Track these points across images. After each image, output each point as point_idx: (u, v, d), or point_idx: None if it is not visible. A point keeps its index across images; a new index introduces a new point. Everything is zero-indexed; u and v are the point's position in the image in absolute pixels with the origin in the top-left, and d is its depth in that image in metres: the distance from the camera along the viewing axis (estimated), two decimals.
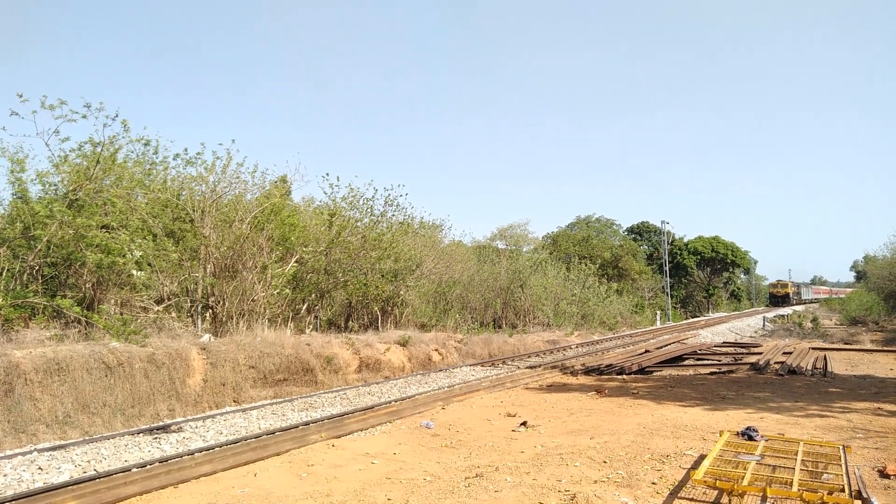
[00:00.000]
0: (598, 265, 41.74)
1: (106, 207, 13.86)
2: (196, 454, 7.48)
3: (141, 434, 8.91)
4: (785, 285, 75.13)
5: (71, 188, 13.67)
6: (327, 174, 23.55)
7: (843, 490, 4.97)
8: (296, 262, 18.11)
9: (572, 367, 15.54)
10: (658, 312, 43.68)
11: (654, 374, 14.79)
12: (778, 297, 73.24)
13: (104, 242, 12.72)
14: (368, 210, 21.87)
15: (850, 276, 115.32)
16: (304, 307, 19.51)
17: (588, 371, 14.65)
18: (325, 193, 21.84)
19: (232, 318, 15.92)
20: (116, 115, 14.07)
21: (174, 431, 9.05)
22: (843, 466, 5.71)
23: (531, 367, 16.10)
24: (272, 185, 18.39)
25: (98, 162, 13.93)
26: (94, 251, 12.49)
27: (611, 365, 15.05)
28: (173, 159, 16.84)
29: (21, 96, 12.69)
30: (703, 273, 68.24)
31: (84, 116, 13.57)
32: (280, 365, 13.12)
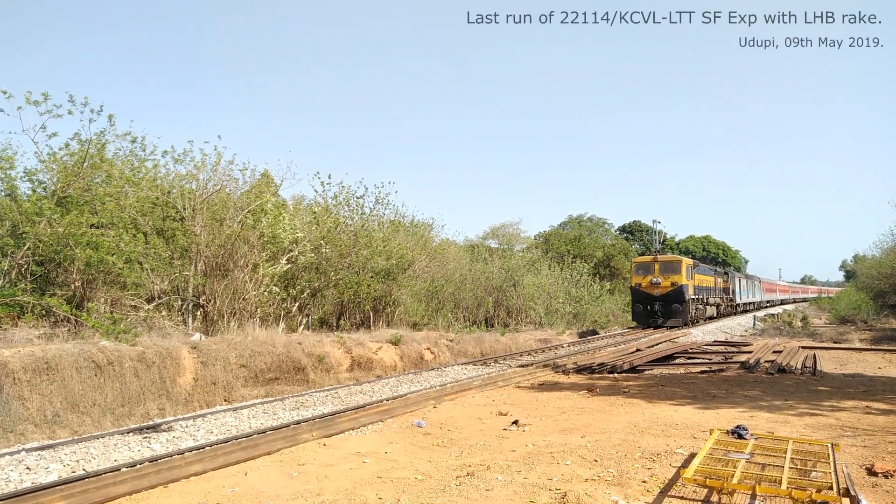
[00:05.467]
0: (591, 264, 41.92)
1: (94, 205, 13.78)
2: (186, 454, 7.45)
3: (131, 433, 8.85)
4: (672, 267, 29.24)
5: (60, 186, 13.58)
6: (318, 173, 23.60)
7: (831, 488, 5.01)
8: (287, 260, 18.06)
9: (564, 365, 15.58)
10: None
11: (646, 372, 14.85)
12: (652, 300, 28.84)
13: (93, 240, 12.64)
14: (359, 208, 21.87)
15: (839, 276, 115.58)
16: (296, 306, 19.46)
17: (579, 370, 14.68)
18: (317, 192, 21.83)
19: (223, 317, 15.86)
20: (101, 110, 13.96)
21: (164, 431, 9.00)
22: (832, 464, 5.75)
23: (523, 366, 16.13)
24: (261, 183, 18.36)
25: (85, 159, 13.84)
26: (83, 248, 12.41)
27: (602, 364, 15.09)
28: (161, 156, 16.79)
29: (5, 93, 12.57)
30: None
31: (70, 112, 13.47)
32: (271, 364, 13.07)
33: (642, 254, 49.46)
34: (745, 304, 48.38)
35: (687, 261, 30.53)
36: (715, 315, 36.88)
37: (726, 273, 42.91)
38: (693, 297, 30.12)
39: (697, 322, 31.56)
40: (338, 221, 20.65)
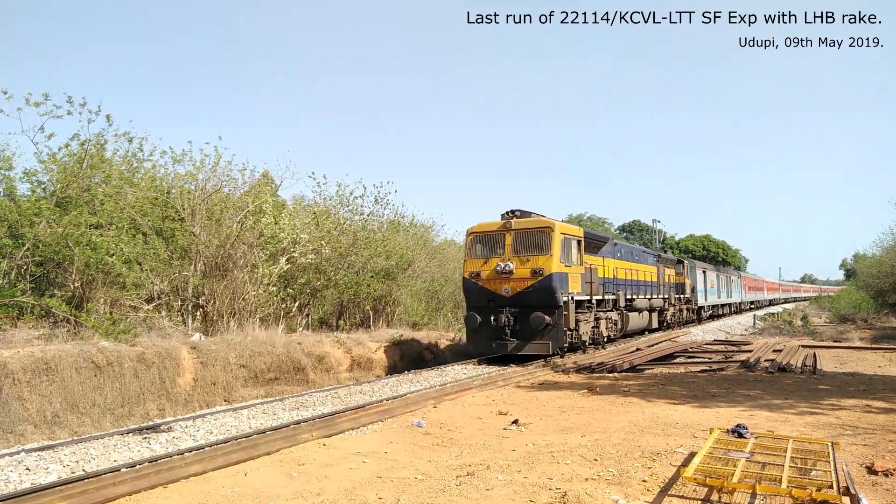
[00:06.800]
0: None
1: (94, 205, 13.80)
2: (186, 454, 7.44)
3: (130, 434, 8.84)
4: (536, 240, 15.83)
5: (59, 186, 13.59)
6: (313, 173, 23.65)
7: (831, 486, 5.00)
8: (286, 261, 18.06)
9: (563, 365, 15.57)
10: None
11: (645, 371, 14.84)
12: (497, 306, 15.71)
13: (92, 240, 12.65)
14: (358, 208, 21.89)
15: (839, 275, 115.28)
16: (296, 306, 19.46)
17: (579, 369, 14.68)
18: (314, 192, 21.84)
19: (223, 318, 15.86)
20: (99, 110, 14.03)
21: (164, 431, 8.99)
22: (832, 463, 5.75)
23: (523, 366, 16.10)
24: (260, 183, 18.39)
25: (84, 159, 13.87)
26: (82, 249, 12.41)
27: (602, 363, 15.08)
28: (160, 157, 16.83)
29: (6, 93, 12.60)
30: None
31: (69, 112, 13.51)
32: (271, 364, 13.08)
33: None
34: (713, 306, 36.08)
35: (568, 229, 16.71)
36: (654, 326, 24.79)
37: (680, 262, 30.05)
38: (587, 297, 17.24)
39: (599, 345, 18.71)
40: (337, 222, 20.65)
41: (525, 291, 15.68)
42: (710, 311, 35.78)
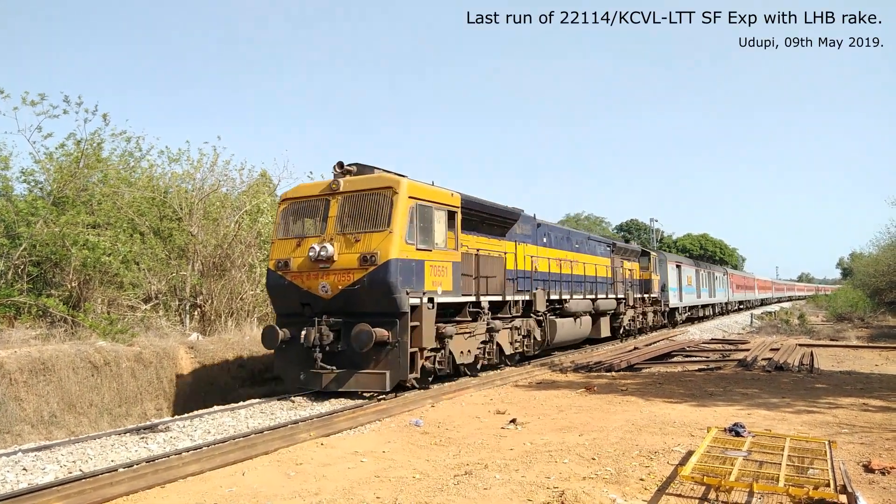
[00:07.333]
0: None
1: (91, 205, 13.79)
2: (184, 454, 7.43)
3: (128, 434, 8.82)
4: (368, 206, 10.36)
5: (56, 186, 13.58)
6: (311, 172, 23.63)
7: (828, 485, 5.02)
8: None
9: (561, 364, 15.57)
10: None
11: (643, 370, 14.86)
12: (314, 314, 10.17)
13: (90, 240, 12.64)
14: None
15: (836, 274, 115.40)
16: None
17: (577, 368, 14.69)
18: None
19: (220, 317, 15.86)
20: (96, 109, 14.04)
21: (161, 431, 8.97)
22: (829, 461, 5.76)
23: (521, 365, 16.11)
24: (258, 183, 18.40)
25: (81, 159, 13.87)
26: (79, 249, 12.40)
27: (599, 362, 15.09)
28: (158, 156, 16.83)
29: (2, 92, 12.61)
30: None
31: (65, 112, 13.52)
32: (269, 363, 13.06)
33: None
34: (690, 308, 30.85)
35: (426, 192, 11.13)
36: (606, 334, 19.76)
37: (645, 254, 25.33)
38: (469, 297, 12.17)
39: (508, 364, 14.21)
40: None
41: (351, 290, 10.20)
42: (687, 314, 30.45)
